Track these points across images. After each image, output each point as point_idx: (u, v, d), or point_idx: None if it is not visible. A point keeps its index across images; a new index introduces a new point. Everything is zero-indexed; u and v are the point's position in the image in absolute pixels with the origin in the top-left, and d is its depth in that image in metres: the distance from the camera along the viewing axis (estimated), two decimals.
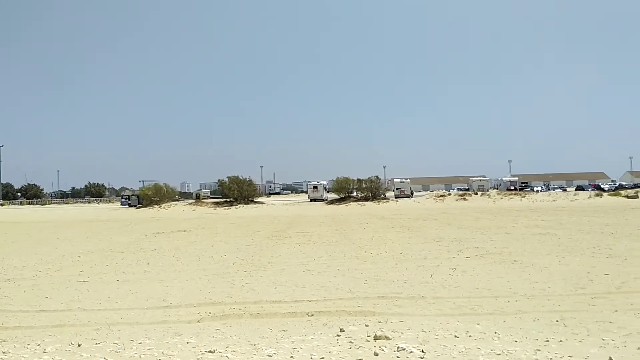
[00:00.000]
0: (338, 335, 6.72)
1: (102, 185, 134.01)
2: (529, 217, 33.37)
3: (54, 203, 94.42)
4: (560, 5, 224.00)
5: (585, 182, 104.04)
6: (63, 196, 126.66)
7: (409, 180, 66.68)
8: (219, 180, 60.58)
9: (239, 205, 55.97)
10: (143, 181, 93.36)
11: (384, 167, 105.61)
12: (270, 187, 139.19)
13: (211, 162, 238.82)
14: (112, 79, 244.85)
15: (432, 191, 77.15)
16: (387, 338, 6.28)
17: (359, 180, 59.01)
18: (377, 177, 59.28)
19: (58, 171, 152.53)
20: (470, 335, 6.59)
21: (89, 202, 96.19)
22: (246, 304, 9.34)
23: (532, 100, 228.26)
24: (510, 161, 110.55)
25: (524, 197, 57.39)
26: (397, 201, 58.12)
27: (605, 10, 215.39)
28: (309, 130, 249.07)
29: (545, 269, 12.50)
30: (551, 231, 22.76)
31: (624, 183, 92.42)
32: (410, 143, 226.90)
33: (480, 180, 66.83)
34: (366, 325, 7.29)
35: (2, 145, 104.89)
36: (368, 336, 6.53)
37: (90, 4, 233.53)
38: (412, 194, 65.24)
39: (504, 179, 77.50)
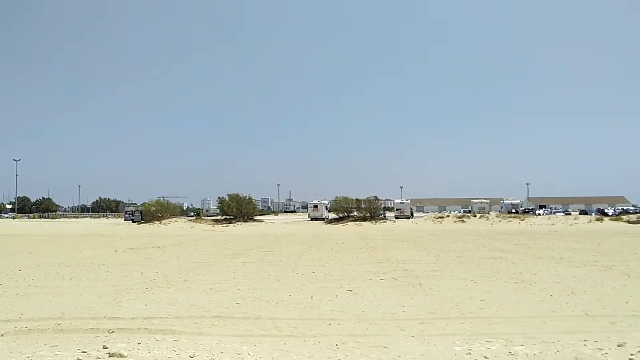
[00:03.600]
0: (84, 352, 6.91)
1: (113, 200, 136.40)
2: (508, 240, 33.19)
3: (66, 217, 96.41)
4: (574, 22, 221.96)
5: (605, 206, 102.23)
6: (84, 210, 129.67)
7: (409, 201, 66.70)
8: (219, 198, 61.42)
9: (238, 223, 56.61)
10: (164, 197, 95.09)
11: (401, 187, 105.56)
12: (286, 205, 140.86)
13: (233, 181, 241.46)
14: (146, 101, 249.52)
15: (449, 213, 76.66)
16: (121, 356, 6.57)
17: (357, 200, 59.24)
18: (375, 197, 59.41)
19: (79, 186, 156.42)
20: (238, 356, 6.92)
21: (99, 217, 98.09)
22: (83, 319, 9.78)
23: (553, 121, 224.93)
24: (528, 184, 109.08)
25: (523, 220, 56.83)
26: (394, 222, 58.06)
27: (617, 30, 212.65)
28: (331, 150, 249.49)
29: (436, 292, 12.70)
30: (507, 255, 22.77)
31: None
32: (432, 165, 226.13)
33: (481, 203, 66.45)
34: (138, 343, 7.59)
35: (20, 160, 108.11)
36: (107, 353, 6.75)
37: (119, 26, 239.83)
38: (412, 214, 65.12)
39: (505, 201, 76.79)
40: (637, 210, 73.55)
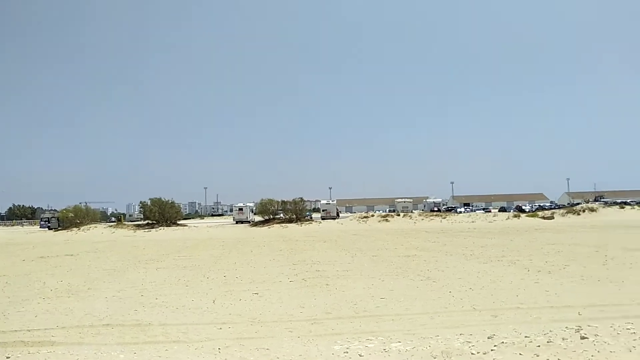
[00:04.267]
0: None
1: (29, 207, 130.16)
2: (426, 238, 34.07)
3: None
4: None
5: (525, 203, 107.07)
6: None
7: (335, 201, 67.36)
8: (141, 202, 59.69)
9: (161, 227, 55.29)
10: (86, 203, 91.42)
11: (330, 188, 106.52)
12: (214, 208, 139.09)
13: (159, 185, 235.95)
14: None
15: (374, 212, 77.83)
16: None
17: (283, 202, 59.18)
18: (301, 198, 59.58)
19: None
20: None
21: (13, 225, 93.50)
22: None
23: (478, 123, 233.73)
24: (452, 182, 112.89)
25: (445, 218, 58.61)
26: (320, 223, 58.41)
27: (529, 44, 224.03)
28: (260, 152, 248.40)
29: (341, 292, 12.81)
30: (422, 253, 23.33)
31: (560, 204, 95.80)
32: (362, 165, 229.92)
33: (405, 202, 68.06)
34: (7, 357, 7.27)
35: None
36: None
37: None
38: (338, 215, 65.76)
39: (428, 200, 79.08)
40: (552, 207, 77.48)
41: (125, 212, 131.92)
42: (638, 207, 63.80)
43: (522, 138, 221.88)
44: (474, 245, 27.29)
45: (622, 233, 33.02)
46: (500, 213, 64.89)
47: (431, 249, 25.27)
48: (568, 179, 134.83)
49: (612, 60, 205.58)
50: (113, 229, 55.49)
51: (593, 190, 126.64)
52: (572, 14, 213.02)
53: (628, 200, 77.55)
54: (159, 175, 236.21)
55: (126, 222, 61.38)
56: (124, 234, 51.71)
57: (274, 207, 59.53)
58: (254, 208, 67.59)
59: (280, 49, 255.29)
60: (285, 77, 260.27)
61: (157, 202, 57.17)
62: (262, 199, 60.86)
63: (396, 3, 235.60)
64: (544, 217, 57.45)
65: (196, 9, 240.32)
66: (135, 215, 75.92)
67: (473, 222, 55.56)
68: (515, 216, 58.93)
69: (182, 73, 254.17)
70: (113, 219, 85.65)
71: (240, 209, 64.56)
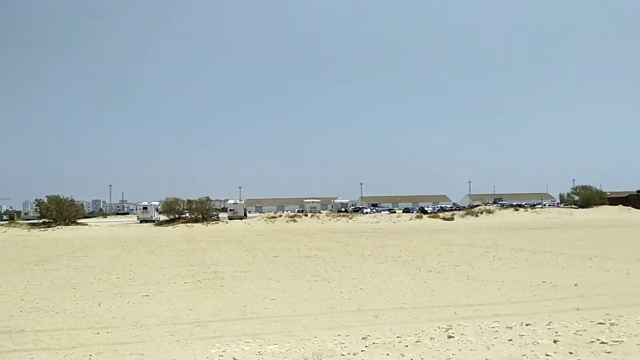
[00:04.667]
0: None
1: None
2: (331, 238, 34.62)
3: None
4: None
5: (428, 204, 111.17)
6: None
7: (243, 201, 67.05)
8: (36, 200, 56.28)
9: (58, 226, 52.51)
10: None
11: (240, 187, 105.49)
12: (119, 207, 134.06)
13: (61, 182, 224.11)
14: None
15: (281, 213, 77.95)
16: None
17: (189, 201, 58.07)
18: (207, 198, 58.67)
19: None
20: None
21: None
22: None
23: (380, 126, 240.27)
24: (361, 183, 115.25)
25: (351, 218, 59.79)
26: (227, 222, 57.80)
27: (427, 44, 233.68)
28: (168, 150, 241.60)
29: (233, 293, 12.75)
30: (323, 253, 23.68)
31: (461, 205, 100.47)
32: (272, 165, 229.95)
33: (313, 202, 68.88)
34: None
35: None
36: None
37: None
38: (245, 215, 65.43)
39: (335, 201, 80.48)
40: (454, 208, 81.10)
41: (21, 209, 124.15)
42: (531, 210, 68.15)
43: (427, 141, 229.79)
44: (374, 245, 28.03)
45: (511, 235, 35.05)
46: (404, 214, 67.07)
47: (333, 250, 25.70)
48: (470, 182, 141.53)
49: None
50: (4, 228, 52.00)
51: (492, 193, 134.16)
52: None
53: (523, 203, 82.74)
54: (62, 172, 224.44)
55: (20, 221, 57.60)
56: (16, 234, 48.58)
57: (180, 206, 58.25)
58: (159, 207, 65.76)
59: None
60: (208, 74, 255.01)
61: (55, 200, 54.14)
62: (167, 198, 59.40)
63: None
64: (444, 218, 60.00)
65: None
66: (32, 214, 71.52)
67: (378, 222, 57.08)
68: (418, 217, 61.19)
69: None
70: (5, 217, 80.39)
71: (145, 208, 62.64)
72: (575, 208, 69.08)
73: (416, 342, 6.95)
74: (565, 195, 78.81)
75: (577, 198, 73.70)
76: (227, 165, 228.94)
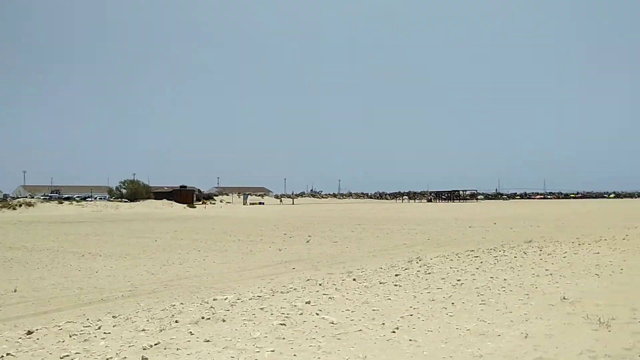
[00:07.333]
0: None
1: None
2: None
3: None
4: None
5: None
6: None
7: None
8: None
9: None
10: None
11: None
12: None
13: None
14: None
15: None
16: None
17: None
18: None
19: None
20: None
21: None
22: None
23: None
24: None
25: None
26: None
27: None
28: None
29: None
30: None
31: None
32: None
33: None
34: None
35: None
36: None
37: None
38: None
39: None
40: None
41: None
42: (76, 203, 65.39)
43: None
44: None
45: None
46: None
47: None
48: (24, 172, 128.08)
49: None
50: None
51: (50, 184, 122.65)
52: None
53: (75, 196, 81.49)
54: None
55: None
56: None
57: None
58: None
59: None
60: None
61: None
62: None
63: None
64: None
65: None
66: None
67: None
68: None
69: None
70: None
71: None
72: (126, 202, 70.89)
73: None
74: (114, 188, 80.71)
75: (125, 192, 76.50)
76: None
